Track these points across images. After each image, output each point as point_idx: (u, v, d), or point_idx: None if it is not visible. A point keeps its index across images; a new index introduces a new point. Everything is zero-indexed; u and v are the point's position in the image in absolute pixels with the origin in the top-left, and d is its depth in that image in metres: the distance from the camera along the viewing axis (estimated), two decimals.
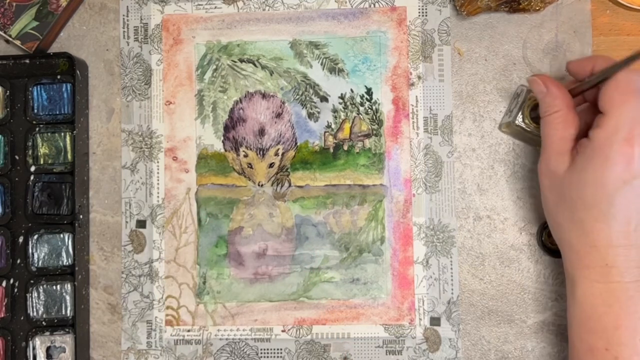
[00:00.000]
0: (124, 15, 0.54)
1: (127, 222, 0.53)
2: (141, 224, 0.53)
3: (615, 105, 0.39)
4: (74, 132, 0.51)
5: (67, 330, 0.51)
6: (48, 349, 0.51)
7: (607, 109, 0.39)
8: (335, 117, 0.53)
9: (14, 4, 0.52)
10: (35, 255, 0.52)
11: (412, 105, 0.52)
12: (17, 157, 0.53)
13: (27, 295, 0.51)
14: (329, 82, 0.53)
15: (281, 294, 0.52)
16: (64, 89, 0.53)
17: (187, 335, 0.52)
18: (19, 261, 0.52)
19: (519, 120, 0.49)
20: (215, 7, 0.54)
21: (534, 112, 0.49)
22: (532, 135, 0.49)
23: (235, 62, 0.54)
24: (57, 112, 0.53)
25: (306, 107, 0.53)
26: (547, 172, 0.43)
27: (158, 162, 0.53)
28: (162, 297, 0.52)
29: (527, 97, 0.49)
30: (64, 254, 0.52)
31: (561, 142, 0.42)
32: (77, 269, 0.50)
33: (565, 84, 0.44)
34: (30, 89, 0.52)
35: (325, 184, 0.52)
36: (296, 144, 0.53)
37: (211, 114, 0.53)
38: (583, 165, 0.40)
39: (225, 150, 0.53)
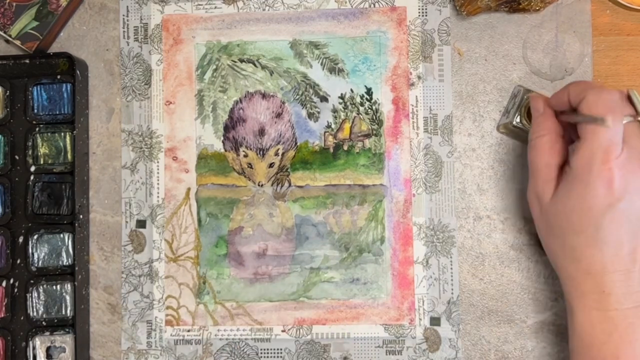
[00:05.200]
0: (124, 15, 0.54)
1: (127, 222, 0.53)
2: (141, 224, 0.53)
3: (590, 130, 0.38)
4: (74, 132, 0.51)
5: (67, 330, 0.51)
6: (48, 349, 0.51)
7: (582, 133, 0.39)
8: (335, 117, 0.53)
9: (14, 4, 0.52)
10: (35, 255, 0.52)
11: (412, 105, 0.52)
12: (17, 157, 0.53)
13: (27, 295, 0.51)
14: (329, 82, 0.53)
15: (281, 294, 0.52)
16: (64, 89, 0.53)
17: (187, 335, 0.52)
18: (19, 261, 0.52)
19: (517, 121, 0.49)
20: (215, 7, 0.54)
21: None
22: None
23: (235, 62, 0.54)
24: (57, 112, 0.53)
25: (306, 107, 0.53)
26: (536, 200, 0.43)
27: (158, 162, 0.53)
28: (162, 297, 0.52)
29: (524, 98, 0.49)
30: (64, 254, 0.52)
31: (547, 169, 0.42)
32: (77, 269, 0.50)
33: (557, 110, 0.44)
34: (30, 89, 0.52)
35: (325, 184, 0.53)
36: (296, 144, 0.53)
37: (211, 114, 0.53)
38: (566, 192, 0.40)
39: (225, 150, 0.53)
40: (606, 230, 0.39)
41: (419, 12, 0.53)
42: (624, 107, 0.39)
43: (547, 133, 0.42)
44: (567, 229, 0.40)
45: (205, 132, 0.53)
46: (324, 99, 0.53)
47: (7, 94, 0.53)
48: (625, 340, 0.39)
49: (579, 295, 0.41)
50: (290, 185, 0.53)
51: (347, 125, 0.53)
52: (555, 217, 0.41)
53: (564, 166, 0.41)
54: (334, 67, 0.53)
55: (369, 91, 0.53)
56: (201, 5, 0.54)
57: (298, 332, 0.52)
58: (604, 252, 0.39)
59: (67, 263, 0.52)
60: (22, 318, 0.52)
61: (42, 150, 0.53)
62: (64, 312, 0.52)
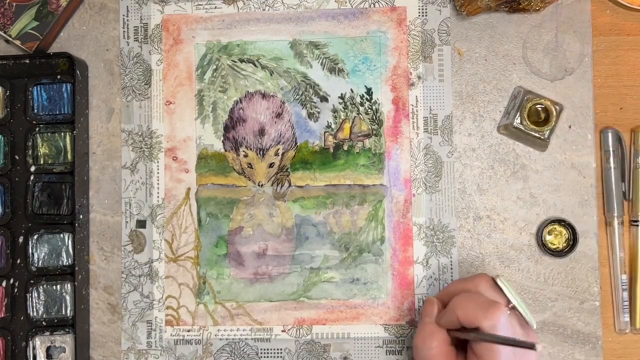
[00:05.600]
0: (124, 15, 0.54)
1: (127, 222, 0.53)
2: (141, 224, 0.53)
3: (486, 348, 0.39)
4: (74, 132, 0.51)
5: (67, 330, 0.51)
6: (48, 349, 0.51)
7: (479, 352, 0.39)
8: (335, 117, 0.53)
9: (14, 4, 0.52)
10: (35, 255, 0.52)
11: (412, 105, 0.52)
12: (17, 157, 0.53)
13: (27, 295, 0.51)
14: (329, 82, 0.53)
15: (281, 294, 0.52)
16: (64, 89, 0.53)
17: (187, 335, 0.52)
18: (19, 261, 0.52)
19: (517, 122, 0.49)
20: (215, 7, 0.54)
21: (532, 114, 0.49)
22: (531, 136, 0.49)
23: (235, 62, 0.54)
24: (57, 112, 0.53)
25: (306, 107, 0.53)
26: None
27: (158, 162, 0.53)
28: (162, 297, 0.52)
29: (525, 99, 0.49)
30: (64, 254, 0.52)
31: None
32: (77, 269, 0.50)
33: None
34: (30, 89, 0.52)
35: (325, 184, 0.52)
36: (296, 144, 0.53)
37: (211, 114, 0.53)
38: None
39: (225, 150, 0.53)
40: None
41: (419, 12, 0.53)
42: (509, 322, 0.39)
43: (439, 345, 0.42)
44: None
45: (205, 132, 0.53)
46: (324, 99, 0.53)
47: (7, 94, 0.53)
48: None
49: None
50: (290, 185, 0.53)
51: (347, 125, 0.53)
52: None
53: None
54: (334, 67, 0.53)
55: (369, 91, 0.53)
56: (201, 5, 0.54)
57: (298, 332, 0.52)
58: None
59: (67, 263, 0.52)
60: (22, 318, 0.52)
61: (42, 150, 0.53)
62: (64, 312, 0.52)
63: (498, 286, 0.41)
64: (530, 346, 0.36)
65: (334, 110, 0.53)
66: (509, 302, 0.40)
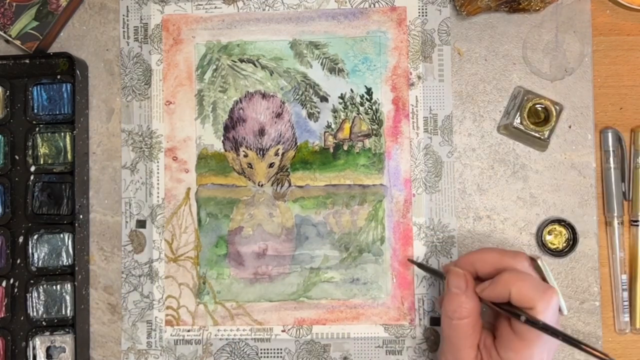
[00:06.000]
0: (124, 15, 0.54)
1: (127, 222, 0.53)
2: (141, 224, 0.53)
3: (531, 332, 0.39)
4: (74, 132, 0.51)
5: (67, 330, 0.51)
6: (48, 349, 0.51)
7: (521, 333, 0.39)
8: (335, 117, 0.53)
9: (14, 4, 0.52)
10: (35, 255, 0.52)
11: (412, 105, 0.52)
12: (17, 157, 0.53)
13: (27, 295, 0.51)
14: (329, 82, 0.53)
15: (281, 294, 0.52)
16: (64, 89, 0.53)
17: (187, 335, 0.52)
18: (19, 261, 0.52)
19: (517, 122, 0.49)
20: (215, 7, 0.54)
21: (532, 114, 0.49)
22: (531, 136, 0.49)
23: (235, 62, 0.54)
24: (57, 112, 0.53)
25: (306, 107, 0.53)
26: None
27: (158, 162, 0.53)
28: (162, 297, 0.52)
29: (525, 99, 0.49)
30: (64, 254, 0.52)
31: (470, 350, 0.42)
32: (77, 269, 0.50)
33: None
34: (30, 89, 0.52)
35: (325, 184, 0.52)
36: (296, 144, 0.53)
37: (211, 114, 0.53)
38: None
39: (225, 150, 0.53)
40: None
41: (419, 12, 0.53)
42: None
43: (469, 315, 0.41)
44: None
45: (205, 132, 0.53)
46: (324, 99, 0.53)
47: (7, 94, 0.53)
48: None
49: None
50: (290, 185, 0.53)
51: (347, 125, 0.53)
52: None
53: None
54: (334, 67, 0.53)
55: (369, 91, 0.53)
56: (201, 5, 0.54)
57: (298, 332, 0.52)
58: None
59: (67, 263, 0.52)
60: (22, 318, 0.52)
61: (42, 150, 0.53)
62: (64, 312, 0.52)
63: (536, 268, 0.41)
64: (603, 355, 0.36)
65: (334, 110, 0.53)
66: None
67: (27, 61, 0.52)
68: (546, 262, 0.51)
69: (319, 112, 0.53)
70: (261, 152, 0.53)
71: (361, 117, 0.53)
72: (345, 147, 0.53)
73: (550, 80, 0.52)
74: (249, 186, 0.53)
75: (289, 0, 0.53)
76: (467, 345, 0.41)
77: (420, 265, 0.49)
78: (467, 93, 0.52)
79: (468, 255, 0.44)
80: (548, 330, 0.38)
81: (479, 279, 0.43)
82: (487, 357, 0.41)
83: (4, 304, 0.52)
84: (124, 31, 0.54)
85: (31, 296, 0.51)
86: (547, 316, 0.38)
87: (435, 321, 0.51)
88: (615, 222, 0.51)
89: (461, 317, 0.41)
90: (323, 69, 0.53)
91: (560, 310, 0.40)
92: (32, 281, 0.51)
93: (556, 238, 0.51)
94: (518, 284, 0.39)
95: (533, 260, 0.41)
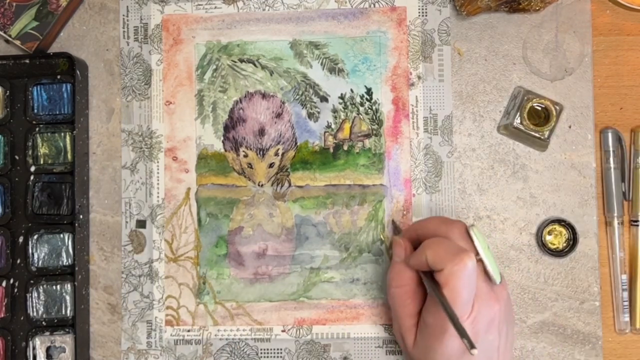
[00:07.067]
0: (124, 15, 0.54)
1: (127, 222, 0.53)
2: (141, 224, 0.53)
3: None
4: (74, 132, 0.51)
5: (67, 330, 0.51)
6: (48, 349, 0.51)
7: (436, 296, 0.40)
8: (335, 117, 0.53)
9: (14, 4, 0.52)
10: (35, 255, 0.52)
11: (412, 105, 0.52)
12: (17, 157, 0.53)
13: (27, 295, 0.51)
14: (329, 82, 0.53)
15: (281, 294, 0.52)
16: (64, 89, 0.53)
17: (187, 335, 0.52)
18: (19, 261, 0.52)
19: (517, 122, 0.49)
20: (215, 7, 0.54)
21: (532, 114, 0.49)
22: (531, 136, 0.49)
23: (235, 62, 0.54)
24: (57, 112, 0.53)
25: (306, 107, 0.53)
26: (401, 341, 0.44)
27: (158, 162, 0.53)
28: (162, 297, 0.52)
29: (525, 99, 0.49)
30: (64, 254, 0.52)
31: (408, 318, 0.43)
32: (77, 269, 0.50)
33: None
34: (30, 89, 0.52)
35: (325, 184, 0.52)
36: (296, 144, 0.53)
37: (211, 114, 0.53)
38: (424, 344, 0.41)
39: (225, 150, 0.53)
40: None
41: (419, 12, 0.53)
42: (475, 272, 0.39)
43: (406, 284, 0.43)
44: None
45: (205, 132, 0.53)
46: (324, 99, 0.53)
47: (7, 94, 0.53)
48: None
49: None
50: (290, 185, 0.53)
51: (347, 125, 0.53)
52: None
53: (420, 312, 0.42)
54: (334, 67, 0.53)
55: (369, 91, 0.53)
56: (201, 5, 0.54)
57: (298, 332, 0.52)
58: None
59: (67, 263, 0.52)
60: (22, 318, 0.52)
61: (42, 150, 0.53)
62: (64, 312, 0.52)
63: (470, 237, 0.41)
64: (469, 345, 0.36)
65: (334, 110, 0.53)
66: (477, 253, 0.40)
67: (27, 61, 0.52)
68: (546, 263, 0.51)
69: (319, 112, 0.53)
70: (261, 152, 0.53)
71: (361, 117, 0.53)
72: (345, 147, 0.53)
73: (550, 80, 0.52)
74: (249, 186, 0.53)
75: (289, 0, 0.53)
76: (405, 313, 0.43)
77: (396, 229, 0.49)
78: (467, 93, 0.52)
79: (413, 224, 0.45)
80: (436, 294, 0.39)
81: None
82: (419, 330, 0.42)
83: (4, 304, 0.52)
84: (124, 31, 0.54)
85: (31, 296, 0.51)
86: (460, 279, 0.38)
87: None
88: (615, 222, 0.51)
89: (398, 285, 0.43)
90: (323, 69, 0.53)
91: (490, 278, 0.41)
92: (32, 281, 0.51)
93: (556, 238, 0.51)
94: (433, 247, 0.40)
95: (467, 229, 0.42)
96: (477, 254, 0.40)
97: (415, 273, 0.43)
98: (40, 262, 0.52)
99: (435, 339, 0.40)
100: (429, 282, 0.41)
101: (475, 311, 0.39)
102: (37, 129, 0.53)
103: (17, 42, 0.52)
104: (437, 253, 0.40)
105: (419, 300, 0.43)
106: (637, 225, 0.51)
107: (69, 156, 0.53)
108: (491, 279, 0.41)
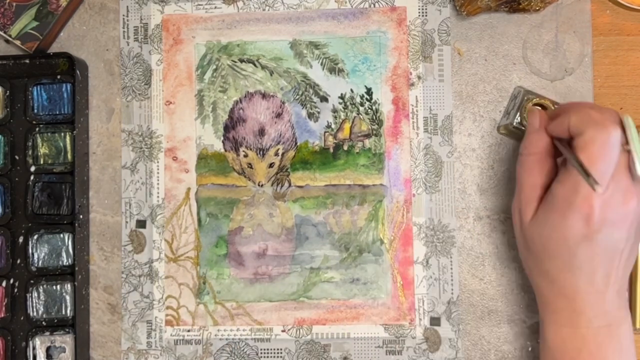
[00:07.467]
0: (123, 15, 0.54)
1: (127, 222, 0.53)
2: (141, 224, 0.53)
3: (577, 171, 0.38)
4: (74, 132, 0.51)
5: (67, 330, 0.51)
6: (48, 349, 0.51)
7: (570, 165, 0.38)
8: (335, 117, 0.53)
9: (14, 4, 0.52)
10: (35, 255, 0.52)
11: (412, 105, 0.52)
12: (17, 157, 0.53)
13: (27, 295, 0.51)
14: (329, 82, 0.53)
15: (281, 294, 0.52)
16: (64, 89, 0.53)
17: (187, 335, 0.52)
18: (19, 261, 0.52)
19: (517, 122, 0.49)
20: (215, 7, 0.54)
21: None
22: None
23: (235, 62, 0.54)
24: (57, 112, 0.53)
25: (306, 107, 0.53)
26: (518, 216, 0.42)
27: (158, 162, 0.53)
28: (162, 297, 0.52)
29: (525, 99, 0.49)
30: (64, 254, 0.52)
31: (531, 189, 0.41)
32: (77, 269, 0.50)
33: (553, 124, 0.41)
34: (30, 89, 0.52)
35: (325, 184, 0.53)
36: (296, 144, 0.53)
37: (211, 114, 0.53)
38: (544, 218, 0.40)
39: (225, 150, 0.53)
40: (581, 258, 0.39)
41: (419, 12, 0.53)
42: (617, 147, 0.37)
43: (537, 152, 0.41)
44: (543, 252, 0.40)
45: (205, 132, 0.53)
46: (324, 99, 0.53)
47: (7, 94, 0.53)
48: (594, 357, 0.39)
49: (551, 312, 0.41)
50: (290, 185, 0.53)
51: (347, 125, 0.53)
52: (532, 238, 0.41)
53: (550, 186, 0.41)
54: (334, 67, 0.53)
55: (369, 91, 0.53)
56: (201, 5, 0.54)
57: (298, 332, 0.52)
58: (577, 276, 0.39)
59: (67, 263, 0.52)
60: (22, 318, 0.52)
61: (42, 150, 0.53)
62: (64, 312, 0.52)
63: (622, 126, 0.38)
64: (592, 182, 0.34)
65: (334, 110, 0.53)
66: (627, 142, 0.38)
67: (27, 61, 0.52)
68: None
69: (319, 112, 0.53)
70: (261, 152, 0.53)
71: (361, 117, 0.53)
72: (345, 147, 0.53)
73: (550, 80, 0.52)
74: (249, 186, 0.53)
75: (289, 0, 0.53)
76: (530, 183, 0.41)
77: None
78: (467, 93, 0.52)
79: (562, 105, 0.43)
80: (569, 155, 0.37)
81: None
82: (544, 202, 0.40)
83: (4, 304, 0.52)
84: (124, 31, 0.54)
85: (31, 296, 0.51)
86: (599, 147, 0.36)
87: (435, 321, 0.51)
88: None
89: (530, 152, 0.41)
90: (323, 69, 0.53)
91: (633, 174, 0.37)
92: (32, 281, 0.51)
93: None
94: (579, 110, 0.38)
95: (620, 119, 0.39)
96: (626, 142, 0.37)
97: (549, 144, 0.41)
98: (40, 262, 0.52)
99: (559, 214, 0.38)
100: (564, 147, 0.38)
101: (608, 195, 0.37)
102: (37, 129, 0.53)
103: (17, 42, 0.52)
104: (581, 117, 0.37)
105: (547, 172, 0.41)
106: None
107: (69, 156, 0.53)
108: (634, 176, 0.38)
